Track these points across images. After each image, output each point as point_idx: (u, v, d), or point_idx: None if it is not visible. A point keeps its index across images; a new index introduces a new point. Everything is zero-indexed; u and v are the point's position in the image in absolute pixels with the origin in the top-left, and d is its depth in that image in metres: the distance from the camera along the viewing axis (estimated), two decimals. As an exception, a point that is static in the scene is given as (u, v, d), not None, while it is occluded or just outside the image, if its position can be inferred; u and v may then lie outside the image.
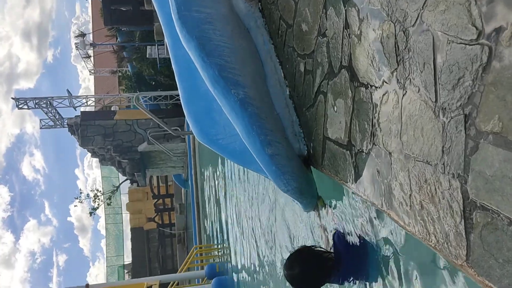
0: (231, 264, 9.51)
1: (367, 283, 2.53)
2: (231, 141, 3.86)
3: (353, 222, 2.69)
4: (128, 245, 33.77)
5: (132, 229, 34.41)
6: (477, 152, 1.33)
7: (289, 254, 2.66)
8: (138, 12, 18.11)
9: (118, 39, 24.79)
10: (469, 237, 1.41)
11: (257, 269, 7.23)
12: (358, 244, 2.56)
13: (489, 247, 1.32)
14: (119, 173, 25.44)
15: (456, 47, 1.37)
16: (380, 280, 2.41)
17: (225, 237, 10.30)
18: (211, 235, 12.96)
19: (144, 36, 22.40)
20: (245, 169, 7.86)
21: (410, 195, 1.75)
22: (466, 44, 1.33)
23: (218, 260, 10.87)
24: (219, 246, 11.19)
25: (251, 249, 7.64)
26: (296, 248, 2.70)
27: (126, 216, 33.40)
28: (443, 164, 1.50)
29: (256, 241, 7.19)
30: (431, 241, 1.63)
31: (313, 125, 2.81)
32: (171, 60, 4.85)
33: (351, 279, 2.55)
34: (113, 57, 27.70)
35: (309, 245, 2.72)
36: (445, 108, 1.46)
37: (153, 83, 25.15)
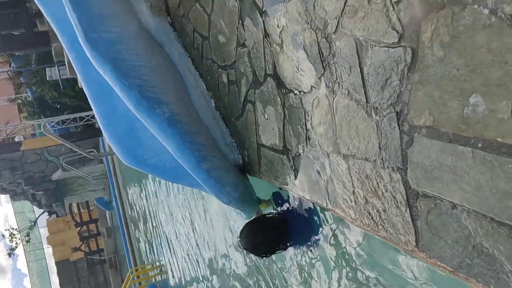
0: (174, 280, 9.31)
1: (312, 246, 2.70)
2: (161, 159, 3.77)
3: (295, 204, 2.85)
4: (55, 279, 31.76)
5: (57, 263, 32.37)
6: (412, 145, 1.43)
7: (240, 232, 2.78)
8: (32, 34, 17.02)
9: (13, 65, 23.13)
10: (416, 223, 1.51)
11: (200, 279, 7.17)
12: (301, 213, 2.73)
13: (436, 231, 1.42)
14: (35, 206, 23.79)
15: (379, 50, 1.47)
16: (321, 243, 2.61)
17: (163, 254, 10.05)
18: (146, 254, 12.58)
19: (41, 58, 21.11)
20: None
21: (353, 191, 1.83)
22: (388, 47, 1.42)
23: (159, 279, 10.58)
24: (157, 264, 10.90)
25: (191, 260, 7.56)
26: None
27: (49, 249, 31.39)
28: (382, 159, 1.60)
29: (193, 252, 7.12)
30: (381, 232, 1.72)
31: (244, 134, 2.84)
32: (82, 84, 4.62)
33: (300, 242, 2.74)
34: (9, 84, 25.79)
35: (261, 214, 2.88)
36: (376, 108, 1.56)
37: (58, 106, 23.82)
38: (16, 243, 26.07)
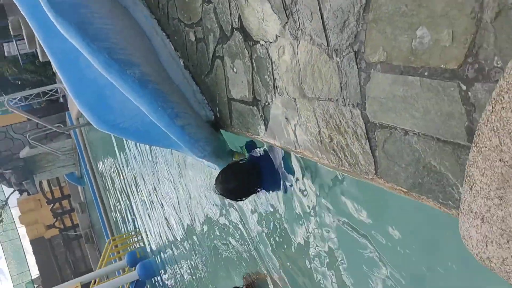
0: (152, 246, 9.49)
1: (284, 190, 2.91)
2: (133, 123, 3.84)
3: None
4: (32, 258, 31.57)
5: (32, 241, 32.12)
6: (369, 81, 1.57)
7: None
8: (-15, 8, 16.28)
9: (-33, 41, 22.17)
10: (374, 153, 1.68)
11: (177, 243, 7.35)
12: (273, 159, 2.90)
13: (392, 157, 1.59)
14: (4, 186, 23.39)
15: (337, -5, 1.58)
16: (292, 182, 2.83)
17: (140, 222, 10.18)
18: (123, 224, 12.69)
19: (-3, 33, 20.28)
20: (145, 149, 7.80)
21: (319, 131, 1.98)
22: (345, -9, 1.54)
23: (137, 246, 10.75)
24: (135, 232, 11.04)
25: (166, 226, 7.71)
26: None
27: (22, 229, 31.04)
28: (343, 98, 1.74)
29: (169, 216, 7.27)
30: (344, 166, 1.88)
31: (215, 90, 2.94)
32: (47, 53, 4.56)
33: (272, 185, 2.93)
34: (-35, 62, 24.78)
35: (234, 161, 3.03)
36: (337, 49, 1.68)
37: (19, 82, 23.13)
38: (-12, 224, 25.67)
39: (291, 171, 2.79)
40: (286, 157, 2.84)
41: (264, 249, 3.81)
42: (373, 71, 1.54)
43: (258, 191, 3.04)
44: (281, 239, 3.30)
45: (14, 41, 18.82)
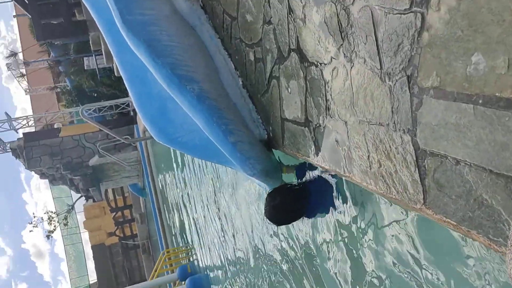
0: (203, 262, 9.58)
1: (332, 214, 2.82)
2: (191, 138, 3.95)
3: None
4: (91, 264, 32.92)
5: (93, 247, 33.53)
6: (422, 106, 1.52)
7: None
8: (70, 23, 17.59)
9: (52, 54, 23.97)
10: (424, 182, 1.60)
11: (227, 262, 7.37)
12: (320, 181, 2.84)
13: (442, 187, 1.51)
14: (72, 191, 24.73)
15: (392, 18, 1.55)
16: (341, 210, 2.74)
17: (193, 237, 10.35)
18: (177, 238, 12.95)
19: (79, 47, 21.78)
20: (202, 167, 7.97)
21: (368, 156, 1.93)
22: (401, 14, 1.51)
23: (189, 261, 10.91)
24: (188, 247, 11.22)
25: (219, 243, 7.76)
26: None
27: (85, 234, 32.52)
28: (394, 122, 1.69)
29: (222, 234, 7.31)
30: (392, 194, 1.82)
31: (270, 110, 2.96)
32: (118, 67, 4.83)
33: (320, 211, 2.85)
34: (49, 73, 26.79)
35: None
36: (389, 73, 1.65)
37: (95, 94, 24.58)
38: (55, 226, 27.15)
39: (342, 197, 2.73)
40: (338, 181, 2.78)
41: (322, 275, 3.71)
42: (425, 97, 1.49)
43: (307, 215, 2.99)
44: (337, 267, 3.20)
45: (93, 55, 20.12)
